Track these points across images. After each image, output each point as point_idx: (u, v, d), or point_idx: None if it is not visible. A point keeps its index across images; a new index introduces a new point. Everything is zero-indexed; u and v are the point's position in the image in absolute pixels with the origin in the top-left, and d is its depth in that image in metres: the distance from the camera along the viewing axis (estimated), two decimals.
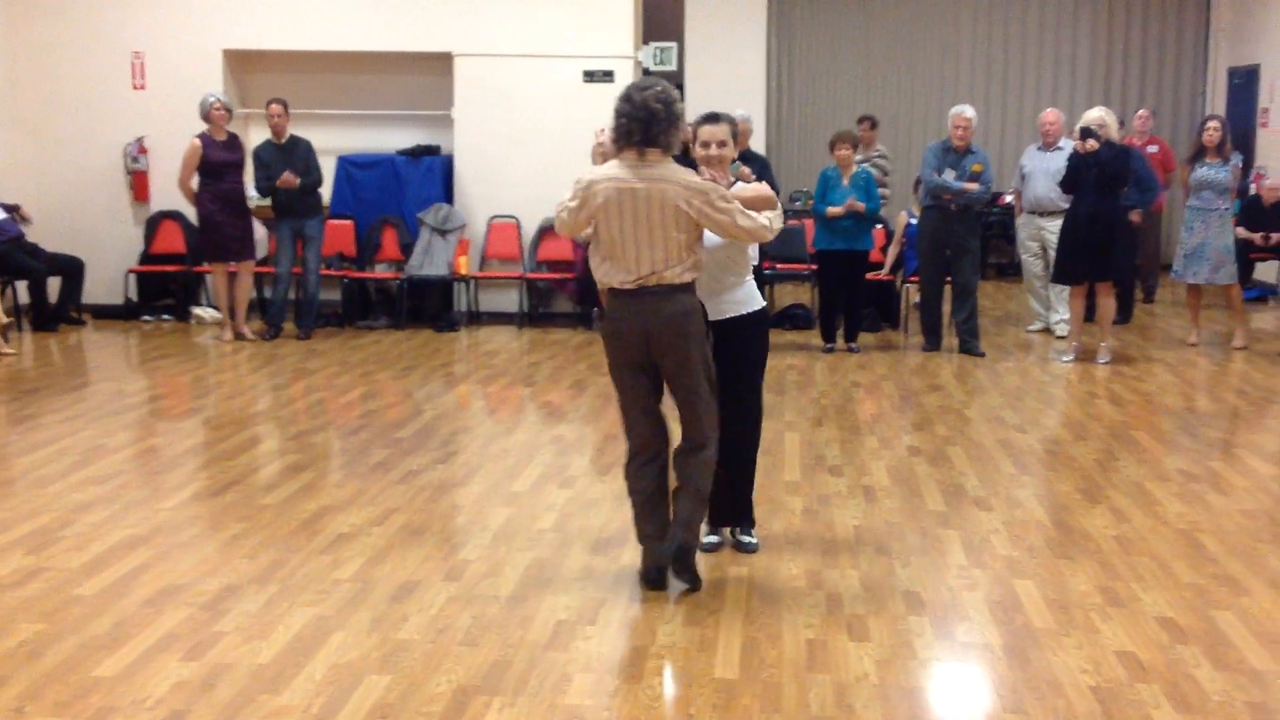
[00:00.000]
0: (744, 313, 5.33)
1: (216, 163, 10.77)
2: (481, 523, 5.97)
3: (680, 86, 15.57)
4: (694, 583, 5.08)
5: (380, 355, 10.33)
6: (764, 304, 5.45)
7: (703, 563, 5.36)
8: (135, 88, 12.07)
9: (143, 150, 12.08)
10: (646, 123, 4.79)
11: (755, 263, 5.47)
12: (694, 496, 5.11)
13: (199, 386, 9.21)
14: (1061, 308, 11.03)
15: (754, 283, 5.42)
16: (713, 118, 5.32)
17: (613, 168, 4.90)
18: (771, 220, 5.04)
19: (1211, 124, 10.44)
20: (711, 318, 5.22)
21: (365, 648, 4.49)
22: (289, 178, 10.67)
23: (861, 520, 6.02)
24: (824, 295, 10.62)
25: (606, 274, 4.95)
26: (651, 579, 5.09)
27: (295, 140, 10.95)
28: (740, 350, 5.34)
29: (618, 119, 4.85)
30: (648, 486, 5.11)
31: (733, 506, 5.56)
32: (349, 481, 6.65)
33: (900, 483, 6.65)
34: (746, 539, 5.58)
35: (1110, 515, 6.10)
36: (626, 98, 4.86)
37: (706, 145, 5.27)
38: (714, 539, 5.56)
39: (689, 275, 4.92)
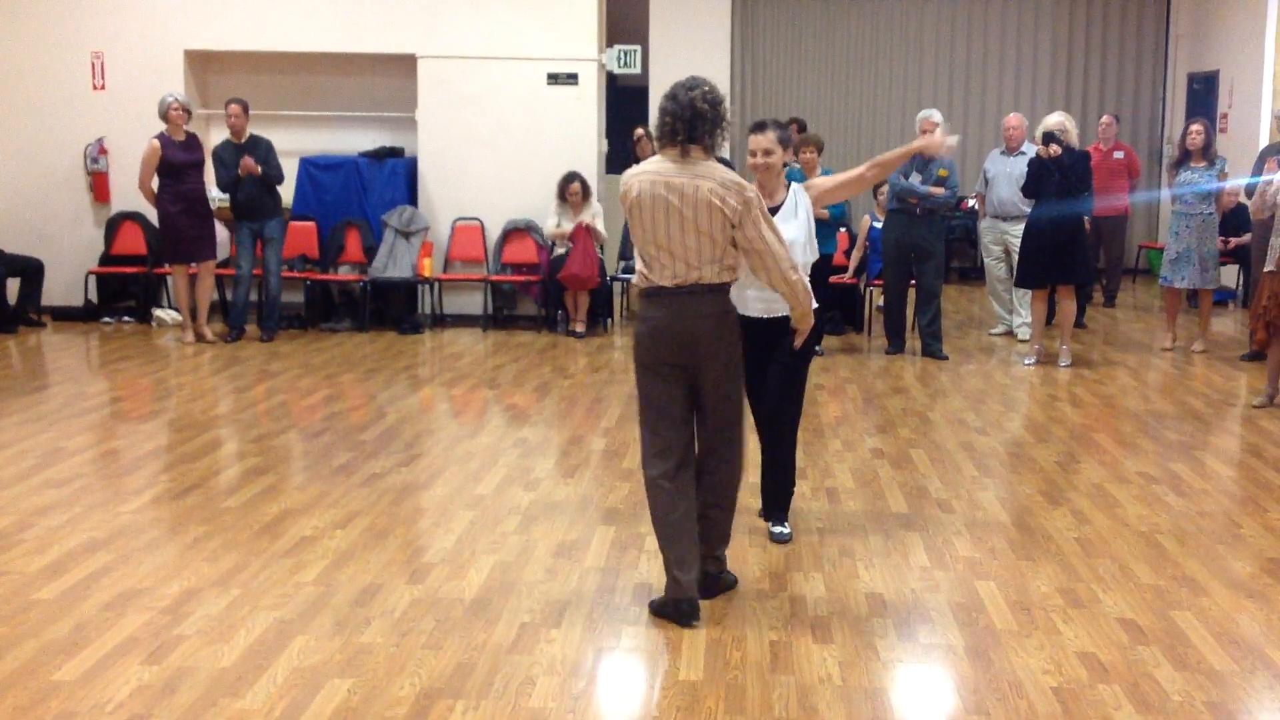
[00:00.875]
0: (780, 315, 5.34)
1: (176, 163, 10.69)
2: (445, 526, 5.96)
3: (645, 89, 15.58)
4: (727, 587, 5.11)
5: (343, 358, 10.28)
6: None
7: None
8: (95, 88, 11.97)
9: (103, 151, 11.98)
10: (691, 122, 4.68)
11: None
12: (726, 512, 5.00)
13: (160, 389, 9.13)
14: (1024, 311, 11.11)
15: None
16: (759, 126, 5.39)
17: (651, 163, 4.79)
18: (788, 269, 4.79)
19: (1195, 128, 10.48)
20: (755, 314, 5.35)
21: (327, 651, 4.47)
22: (249, 163, 10.62)
23: (825, 522, 6.04)
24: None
25: (643, 272, 4.82)
26: (685, 612, 4.76)
27: (255, 139, 10.89)
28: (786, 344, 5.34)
29: (662, 117, 4.75)
30: (681, 504, 4.81)
31: (777, 496, 5.78)
32: (311, 484, 6.62)
33: (863, 485, 6.68)
34: (779, 529, 5.75)
35: (1071, 517, 6.14)
36: (672, 96, 4.75)
37: (754, 154, 5.35)
38: (784, 529, 5.76)
39: (727, 275, 4.79)
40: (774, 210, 5.31)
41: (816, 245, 5.57)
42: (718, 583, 5.04)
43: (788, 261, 4.76)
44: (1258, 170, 10.70)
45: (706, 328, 4.76)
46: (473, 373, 9.83)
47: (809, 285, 4.99)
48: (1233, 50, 14.28)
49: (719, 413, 4.89)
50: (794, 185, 5.51)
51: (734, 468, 4.99)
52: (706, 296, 4.75)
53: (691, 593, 4.78)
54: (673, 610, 4.78)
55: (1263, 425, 7.88)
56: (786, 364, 5.48)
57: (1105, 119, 13.26)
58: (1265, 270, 8.50)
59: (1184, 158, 10.54)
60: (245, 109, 10.84)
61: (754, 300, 5.41)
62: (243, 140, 10.84)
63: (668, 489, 4.80)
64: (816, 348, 10.47)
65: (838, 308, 11.56)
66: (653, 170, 4.75)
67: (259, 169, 10.68)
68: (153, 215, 11.21)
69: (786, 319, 5.19)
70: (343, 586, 5.11)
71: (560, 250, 11.38)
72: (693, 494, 4.86)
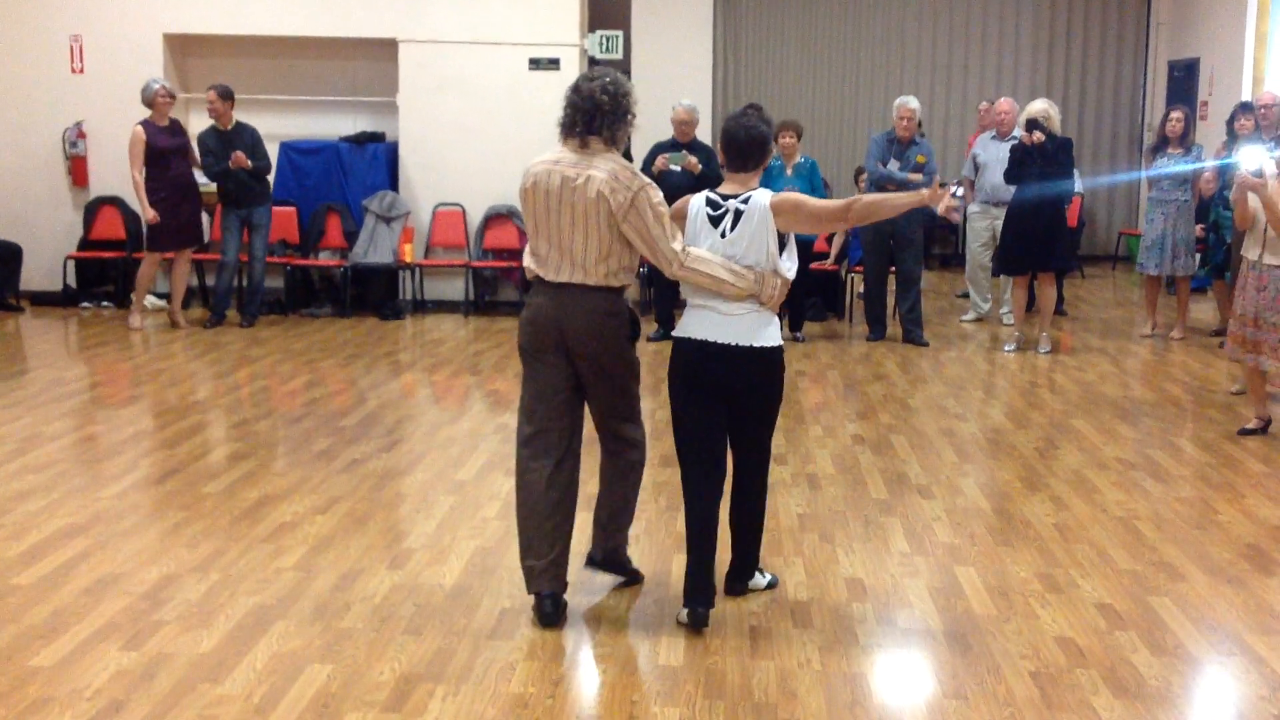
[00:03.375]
0: (758, 345, 4.63)
1: (162, 149, 10.60)
2: (426, 511, 5.95)
3: (627, 74, 15.55)
4: (635, 575, 5.05)
5: (324, 343, 10.25)
6: (780, 342, 4.73)
7: (648, 550, 5.38)
8: (74, 71, 11.89)
9: (81, 135, 11.90)
10: (590, 113, 4.60)
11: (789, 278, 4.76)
12: (622, 496, 4.92)
13: (139, 374, 9.10)
14: (1005, 298, 11.15)
15: (772, 314, 4.71)
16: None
17: (550, 153, 4.71)
18: (687, 256, 4.54)
19: (1175, 115, 10.50)
20: (721, 340, 4.61)
21: (307, 636, 4.46)
22: (240, 158, 10.57)
23: (805, 508, 6.05)
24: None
25: (529, 261, 4.75)
26: (547, 613, 4.63)
27: (241, 127, 10.83)
28: (756, 387, 4.70)
29: (565, 108, 4.69)
30: (553, 494, 4.71)
31: (742, 563, 4.96)
32: (292, 470, 6.61)
33: (844, 471, 6.69)
34: (753, 582, 5.01)
35: (1050, 503, 6.16)
36: (575, 88, 4.70)
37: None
38: (769, 578, 5.06)
39: (616, 280, 4.62)
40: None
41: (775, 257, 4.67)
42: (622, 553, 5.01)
43: (675, 254, 4.51)
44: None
45: (586, 328, 4.59)
46: (454, 358, 9.81)
47: (734, 270, 4.55)
48: (1213, 38, 14.31)
49: (612, 409, 4.80)
50: (757, 193, 4.67)
51: (639, 458, 4.95)
52: (590, 295, 4.59)
53: (540, 587, 4.65)
54: (536, 611, 4.68)
55: (1241, 411, 7.91)
56: (752, 409, 4.76)
57: (984, 104, 13.34)
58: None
59: (1161, 144, 10.57)
60: (225, 95, 10.75)
61: (709, 322, 4.66)
62: (229, 128, 10.78)
63: (538, 470, 4.71)
64: (798, 334, 10.55)
65: (819, 294, 11.58)
66: (550, 160, 4.67)
67: (249, 163, 10.63)
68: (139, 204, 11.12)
69: (750, 350, 4.62)
70: (323, 572, 5.10)
71: None
72: (574, 486, 4.79)
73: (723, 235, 4.60)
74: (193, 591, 4.87)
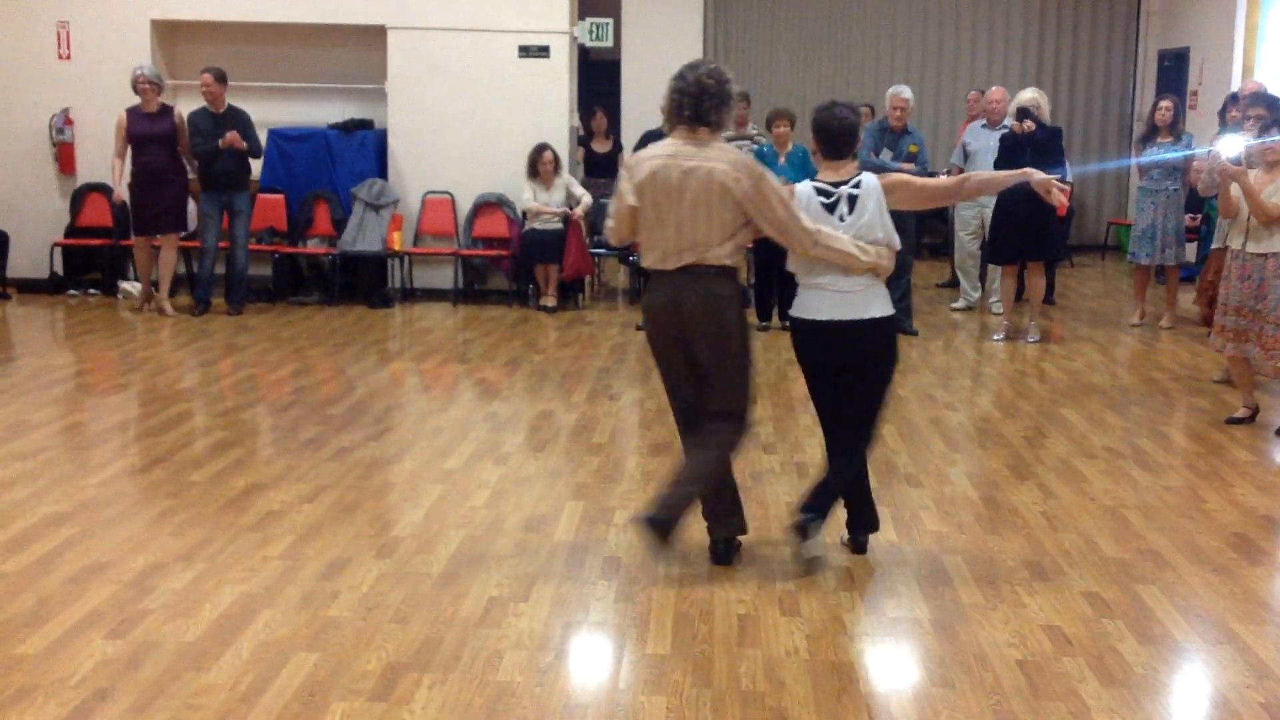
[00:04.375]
0: (876, 316, 4.96)
1: (138, 135, 10.64)
2: (414, 500, 5.94)
3: (616, 63, 15.52)
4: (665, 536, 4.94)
5: (312, 331, 10.22)
6: (891, 311, 5.04)
7: (637, 539, 5.38)
8: (61, 58, 11.83)
9: (69, 122, 11.85)
10: (697, 99, 4.80)
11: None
12: (704, 459, 4.99)
13: (126, 362, 9.06)
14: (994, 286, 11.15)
15: (883, 286, 5.02)
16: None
17: (665, 144, 4.88)
18: (820, 234, 4.82)
19: (1164, 104, 10.49)
20: (841, 317, 4.91)
21: (294, 625, 4.45)
22: (234, 137, 10.56)
23: (794, 497, 6.02)
24: (759, 274, 10.64)
25: (647, 254, 4.92)
26: (720, 554, 5.09)
27: (234, 111, 10.79)
28: (877, 355, 5.04)
29: (670, 96, 4.87)
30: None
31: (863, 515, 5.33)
32: (279, 458, 6.59)
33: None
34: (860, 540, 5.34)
35: (1038, 491, 6.17)
36: (680, 75, 4.88)
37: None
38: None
39: (729, 260, 4.84)
40: None
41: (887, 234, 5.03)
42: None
43: (809, 233, 4.79)
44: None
45: (704, 309, 4.81)
46: (442, 347, 9.79)
47: (860, 246, 4.87)
48: (1203, 28, 14.32)
49: (724, 385, 4.93)
50: (866, 176, 5.02)
51: (740, 427, 5.06)
52: (707, 278, 4.82)
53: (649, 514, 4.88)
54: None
55: (1228, 400, 7.92)
56: (870, 376, 5.07)
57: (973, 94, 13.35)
58: (1214, 247, 8.55)
59: (1151, 133, 10.57)
60: (220, 78, 10.73)
61: (828, 301, 4.97)
62: (221, 110, 10.74)
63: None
64: (786, 323, 10.50)
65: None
66: (665, 153, 4.84)
67: (244, 143, 10.60)
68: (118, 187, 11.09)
69: (859, 323, 4.93)
70: (310, 561, 5.09)
71: (535, 225, 11.31)
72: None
73: (840, 219, 4.92)
74: (178, 580, 4.85)
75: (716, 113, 4.83)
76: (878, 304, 4.96)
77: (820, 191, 4.96)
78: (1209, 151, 8.63)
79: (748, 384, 5.02)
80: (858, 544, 5.27)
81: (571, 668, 4.23)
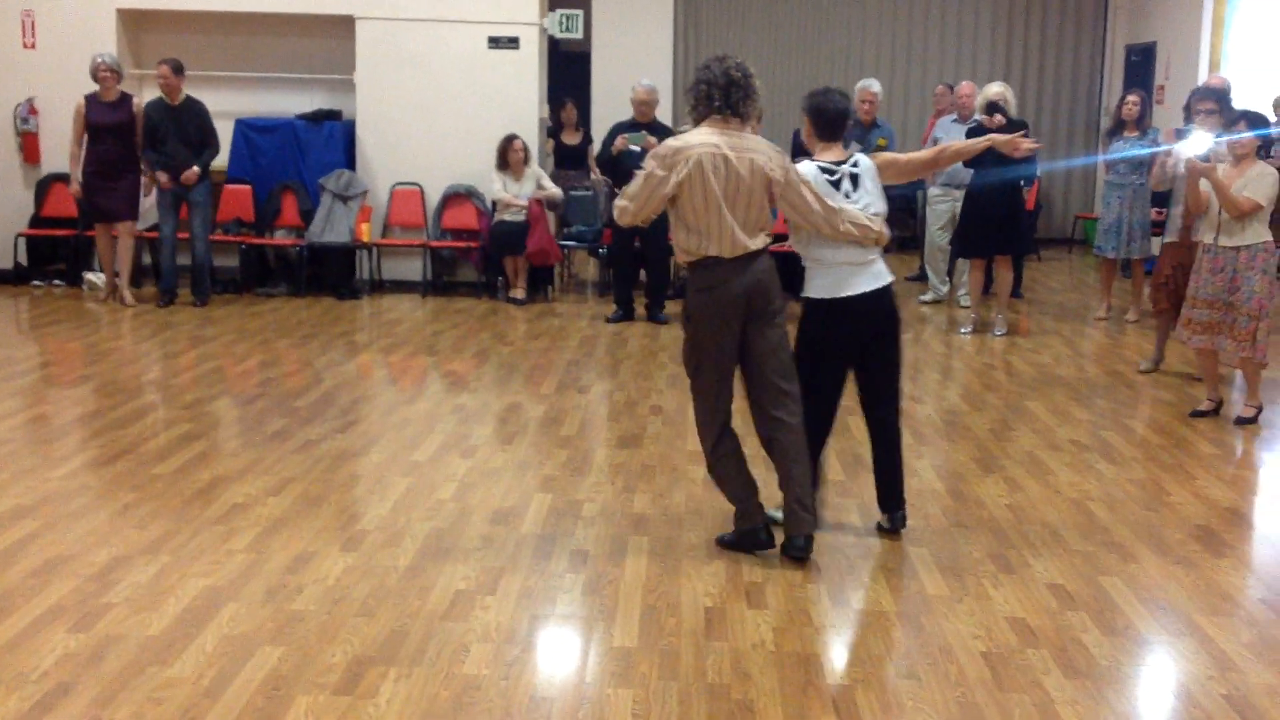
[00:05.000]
0: (885, 284, 5.30)
1: (95, 124, 10.60)
2: (381, 493, 5.92)
3: (587, 55, 15.49)
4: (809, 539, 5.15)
5: (279, 323, 10.17)
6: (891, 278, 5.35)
7: (603, 532, 5.38)
8: (25, 46, 11.72)
9: (33, 111, 11.74)
10: (726, 89, 4.94)
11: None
12: (805, 463, 5.15)
13: (91, 353, 8.99)
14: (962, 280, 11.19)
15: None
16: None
17: (704, 134, 4.97)
18: (844, 213, 5.09)
19: (1131, 99, 10.54)
20: (862, 290, 5.21)
21: (259, 619, 4.43)
22: (192, 175, 10.59)
23: (762, 489, 6.02)
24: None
25: (698, 244, 4.97)
26: (766, 540, 5.17)
27: (190, 102, 10.71)
28: (892, 319, 5.36)
29: (698, 86, 5.00)
30: (737, 458, 5.22)
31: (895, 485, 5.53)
32: (245, 451, 6.55)
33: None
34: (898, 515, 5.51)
35: (1004, 484, 6.20)
36: (705, 66, 5.04)
37: None
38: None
39: (764, 241, 5.04)
40: None
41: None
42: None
43: (836, 213, 5.07)
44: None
45: (764, 290, 5.02)
46: (411, 339, 9.76)
47: (867, 218, 5.17)
48: (1170, 23, 14.41)
49: (781, 369, 5.10)
50: (861, 156, 5.36)
51: (802, 419, 5.18)
52: (761, 260, 5.04)
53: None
54: (764, 540, 5.19)
55: (1194, 393, 7.98)
56: (893, 340, 5.39)
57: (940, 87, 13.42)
58: (1165, 241, 8.62)
59: (1118, 127, 10.62)
60: (177, 69, 10.65)
61: (853, 276, 5.23)
62: (177, 102, 10.66)
63: (725, 447, 5.22)
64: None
65: (781, 275, 11.55)
66: (710, 142, 4.93)
67: (196, 176, 10.63)
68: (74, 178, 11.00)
69: (881, 291, 5.26)
70: (275, 554, 5.06)
71: (504, 216, 11.28)
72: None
73: (846, 196, 5.20)
74: (142, 573, 4.82)
75: (744, 104, 4.99)
76: (887, 271, 5.34)
77: (824, 170, 5.21)
78: (1168, 150, 8.71)
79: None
80: (895, 521, 5.43)
81: (538, 661, 4.23)
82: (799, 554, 5.05)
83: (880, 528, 5.46)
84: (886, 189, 5.36)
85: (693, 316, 5.07)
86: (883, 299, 5.28)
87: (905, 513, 5.47)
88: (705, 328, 5.04)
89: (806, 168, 5.19)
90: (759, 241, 5.00)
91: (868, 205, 5.23)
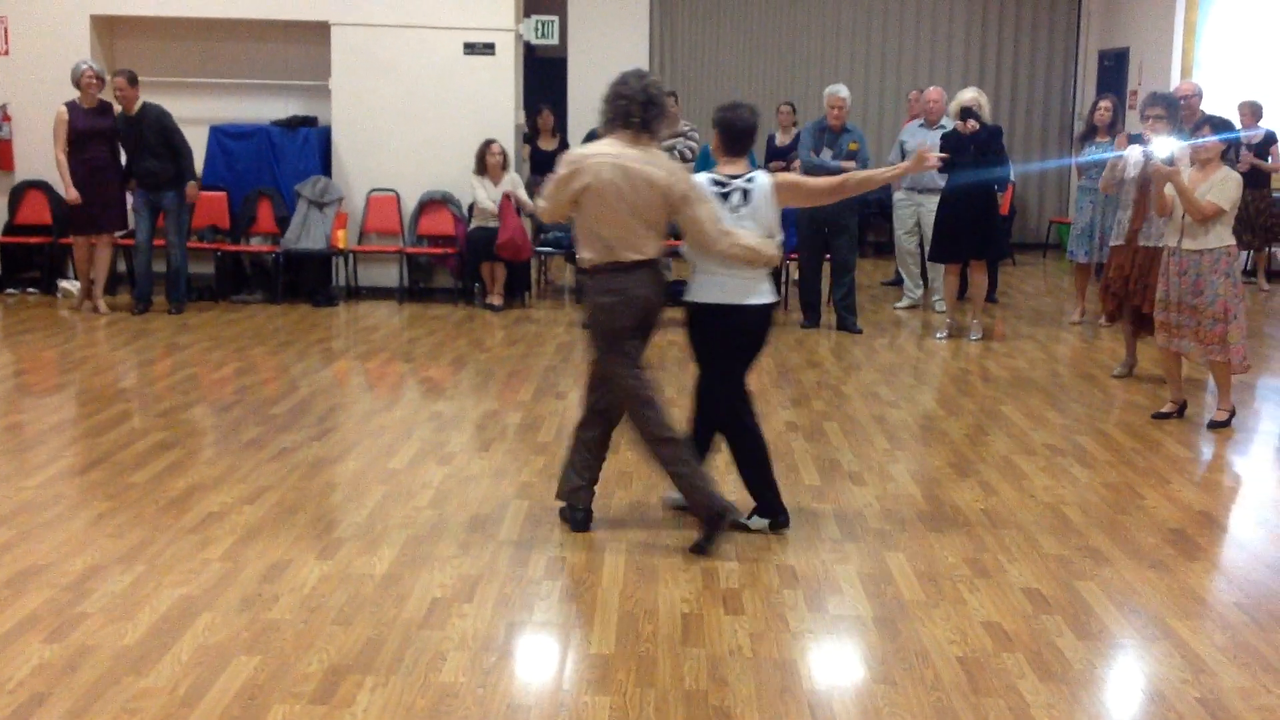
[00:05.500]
0: (759, 303, 5.38)
1: (82, 131, 10.48)
2: (357, 500, 5.91)
3: (563, 61, 15.50)
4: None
5: (255, 330, 10.14)
6: (773, 299, 5.48)
7: (580, 540, 5.39)
8: None
9: (6, 118, 11.69)
10: (645, 106, 5.13)
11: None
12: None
13: (65, 361, 8.95)
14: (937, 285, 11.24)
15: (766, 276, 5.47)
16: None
17: (608, 145, 5.17)
18: (733, 234, 5.21)
19: (1103, 104, 10.61)
20: (730, 301, 5.33)
21: (234, 628, 4.41)
22: (193, 192, 10.73)
23: (738, 495, 6.05)
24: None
25: (601, 249, 5.17)
26: (579, 521, 5.47)
27: (145, 109, 10.62)
28: (757, 338, 5.48)
29: (617, 101, 5.16)
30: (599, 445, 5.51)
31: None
32: (220, 459, 6.53)
33: (777, 458, 6.66)
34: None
35: (979, 489, 6.23)
36: (623, 82, 5.20)
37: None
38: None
39: (660, 252, 5.27)
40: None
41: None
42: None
43: (720, 238, 5.17)
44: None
45: (658, 297, 5.26)
46: (387, 346, 9.74)
47: (762, 243, 5.27)
48: (1143, 28, 14.51)
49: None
50: (759, 173, 5.46)
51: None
52: (654, 269, 5.24)
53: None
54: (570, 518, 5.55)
55: (1166, 397, 8.02)
56: (750, 356, 5.53)
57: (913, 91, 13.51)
58: (1112, 244, 8.71)
59: (1090, 133, 10.69)
60: (132, 80, 10.58)
61: (720, 286, 5.37)
62: (134, 112, 10.59)
63: (592, 431, 5.49)
64: None
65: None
66: (611, 153, 5.13)
67: (195, 194, 10.78)
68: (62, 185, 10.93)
69: (761, 309, 5.39)
70: (251, 563, 5.05)
71: (482, 222, 11.26)
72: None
73: (733, 210, 5.31)
74: (117, 583, 4.80)
75: (657, 122, 5.19)
76: (763, 287, 5.38)
77: (716, 183, 5.34)
78: (1118, 154, 8.78)
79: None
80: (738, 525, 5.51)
81: (515, 668, 4.23)
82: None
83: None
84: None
85: (597, 319, 5.31)
86: (757, 315, 5.38)
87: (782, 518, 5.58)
88: (613, 323, 5.25)
89: (699, 179, 5.34)
90: (655, 254, 5.21)
91: (748, 226, 5.30)
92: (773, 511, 5.54)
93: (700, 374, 5.53)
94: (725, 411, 5.52)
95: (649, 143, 5.19)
